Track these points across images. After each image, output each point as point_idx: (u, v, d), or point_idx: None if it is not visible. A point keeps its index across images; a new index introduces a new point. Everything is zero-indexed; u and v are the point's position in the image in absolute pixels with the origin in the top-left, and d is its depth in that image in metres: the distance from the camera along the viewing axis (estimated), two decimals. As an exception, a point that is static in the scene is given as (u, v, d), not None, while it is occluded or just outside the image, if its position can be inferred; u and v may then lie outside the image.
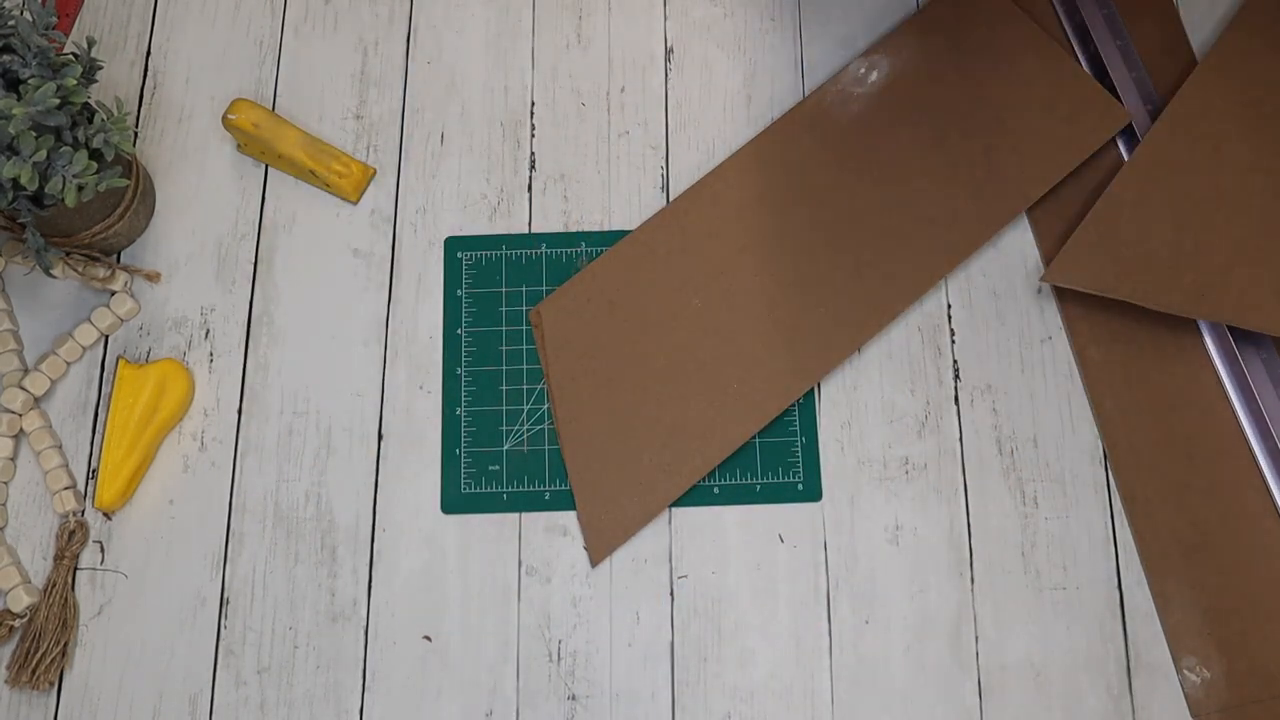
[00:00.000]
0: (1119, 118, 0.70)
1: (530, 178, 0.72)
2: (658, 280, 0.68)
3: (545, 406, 0.67)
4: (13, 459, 0.66)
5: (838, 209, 0.69)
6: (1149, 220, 0.67)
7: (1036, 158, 0.69)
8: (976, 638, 0.63)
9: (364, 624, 0.64)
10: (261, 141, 0.69)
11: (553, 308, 0.68)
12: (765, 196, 0.69)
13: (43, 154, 0.57)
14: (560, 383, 0.66)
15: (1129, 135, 0.71)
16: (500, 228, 0.71)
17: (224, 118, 0.69)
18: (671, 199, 0.71)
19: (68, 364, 0.68)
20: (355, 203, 0.71)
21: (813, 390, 0.67)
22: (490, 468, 0.66)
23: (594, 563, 0.64)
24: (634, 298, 0.68)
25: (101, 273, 0.68)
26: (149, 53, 0.74)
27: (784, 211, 0.69)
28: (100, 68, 0.62)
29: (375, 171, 0.72)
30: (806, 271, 0.68)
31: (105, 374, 0.68)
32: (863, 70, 0.72)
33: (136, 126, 0.73)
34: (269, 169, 0.72)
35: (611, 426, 0.65)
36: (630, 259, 0.68)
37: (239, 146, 0.72)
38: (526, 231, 0.71)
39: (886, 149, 0.70)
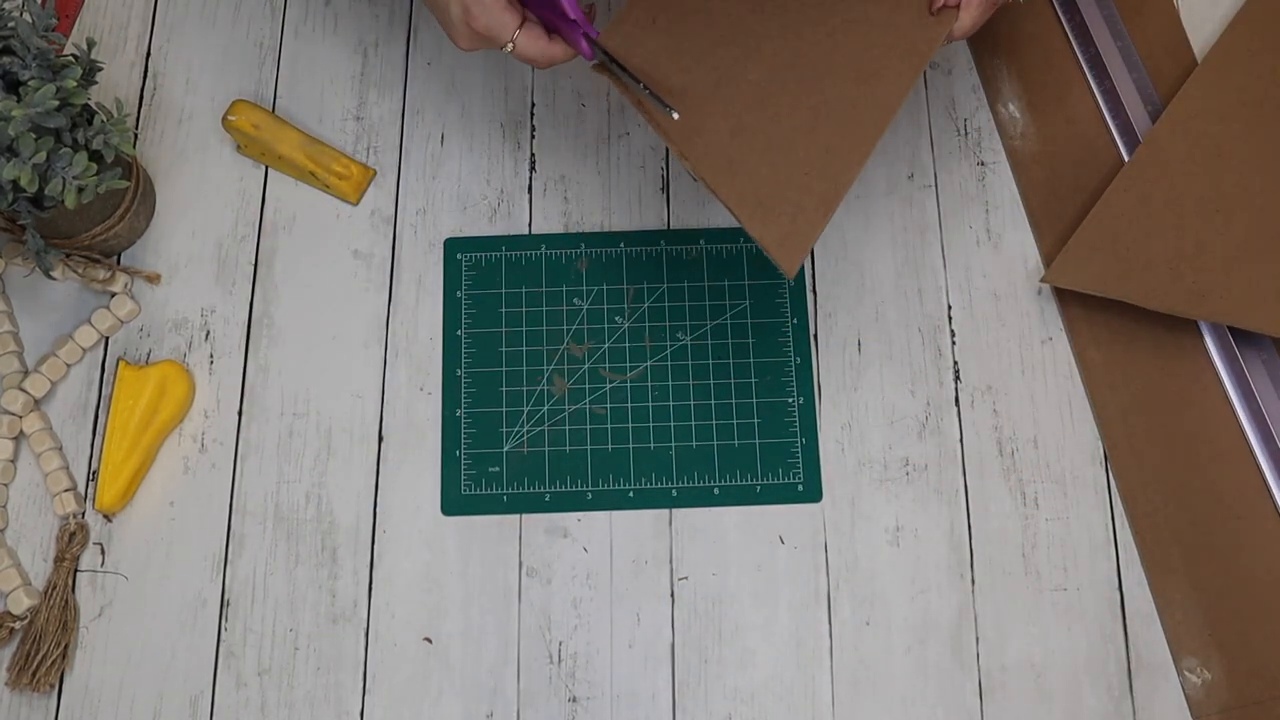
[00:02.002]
0: None
1: (530, 179, 0.72)
2: None
3: (545, 407, 0.67)
4: (13, 461, 0.66)
5: None
6: (1149, 221, 0.67)
7: None
8: (977, 639, 0.63)
9: (364, 625, 0.64)
10: (261, 143, 0.69)
11: (616, 34, 0.58)
12: None
13: (42, 156, 0.57)
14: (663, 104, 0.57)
15: (1129, 135, 0.71)
16: (500, 229, 0.71)
17: (224, 119, 0.69)
18: (672, 200, 0.71)
19: (68, 366, 0.68)
20: (355, 204, 0.71)
21: (813, 391, 0.67)
22: (490, 469, 0.66)
23: (790, 272, 0.56)
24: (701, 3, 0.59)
25: (102, 274, 0.68)
26: (149, 54, 0.74)
27: None
28: (100, 69, 0.62)
29: (375, 173, 0.72)
30: None
31: (105, 376, 0.68)
32: None
33: (136, 128, 0.73)
34: (269, 170, 0.72)
35: (743, 129, 0.57)
36: None
37: (239, 148, 0.72)
38: (527, 233, 0.71)
39: None
